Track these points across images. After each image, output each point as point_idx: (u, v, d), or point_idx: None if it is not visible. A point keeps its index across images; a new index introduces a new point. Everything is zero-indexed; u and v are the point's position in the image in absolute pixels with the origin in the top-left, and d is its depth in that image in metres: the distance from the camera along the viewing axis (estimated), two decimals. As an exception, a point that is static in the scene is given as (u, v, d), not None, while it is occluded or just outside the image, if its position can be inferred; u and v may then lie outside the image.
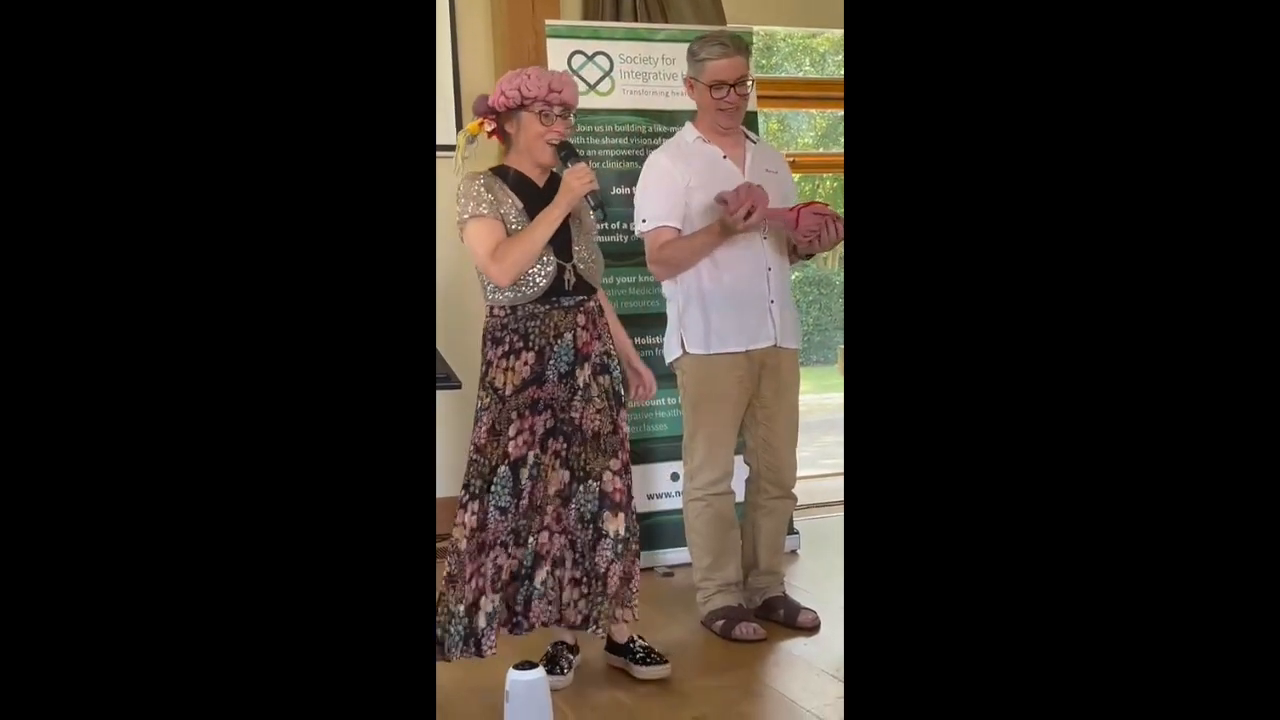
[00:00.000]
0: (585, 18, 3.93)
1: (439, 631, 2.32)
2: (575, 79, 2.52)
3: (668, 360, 2.83)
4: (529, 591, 2.38)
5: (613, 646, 2.50)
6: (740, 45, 2.75)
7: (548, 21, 3.65)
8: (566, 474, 2.38)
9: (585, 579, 2.39)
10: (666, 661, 2.43)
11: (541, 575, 2.37)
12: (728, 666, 2.49)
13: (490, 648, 2.30)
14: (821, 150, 10.00)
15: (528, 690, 2.00)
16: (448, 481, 3.85)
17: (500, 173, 2.45)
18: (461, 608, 2.30)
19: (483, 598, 2.30)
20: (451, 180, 3.90)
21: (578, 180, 2.32)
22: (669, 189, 2.72)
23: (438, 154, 3.65)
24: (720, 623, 2.71)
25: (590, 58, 3.58)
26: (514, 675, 2.01)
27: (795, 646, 2.63)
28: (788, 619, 2.78)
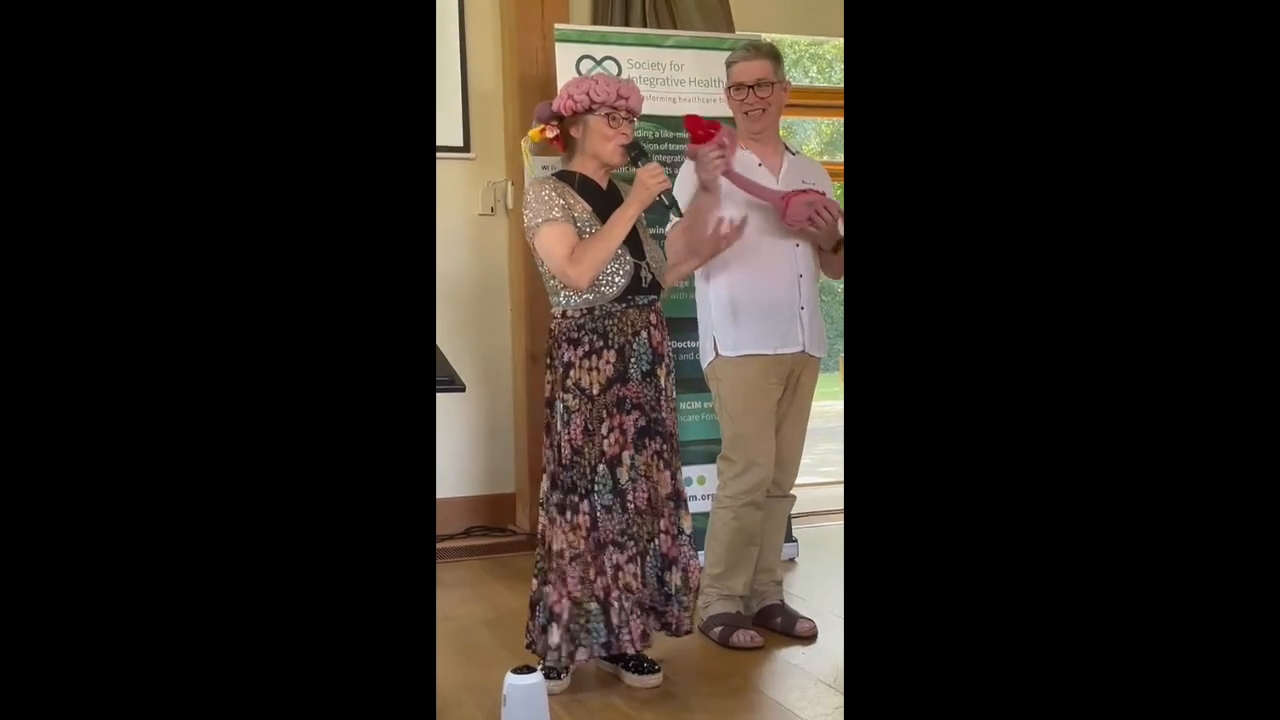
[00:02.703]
0: (594, 22, 3.94)
1: (556, 634, 2.33)
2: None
3: (704, 364, 2.82)
4: (668, 593, 2.42)
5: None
6: (765, 51, 2.76)
7: (556, 26, 3.66)
8: (669, 475, 2.43)
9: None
10: (659, 670, 2.43)
11: (677, 580, 2.42)
12: (724, 674, 2.49)
13: (632, 641, 2.34)
14: (827, 158, 10.01)
15: (525, 695, 2.00)
16: (449, 483, 3.88)
17: (566, 178, 2.46)
18: (595, 606, 2.33)
19: (612, 593, 2.33)
20: (456, 182, 3.94)
21: (652, 179, 2.33)
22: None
23: (439, 156, 3.69)
24: (718, 629, 2.70)
25: (599, 62, 3.58)
26: (511, 679, 2.01)
27: (792, 655, 2.62)
28: (785, 627, 2.78)
